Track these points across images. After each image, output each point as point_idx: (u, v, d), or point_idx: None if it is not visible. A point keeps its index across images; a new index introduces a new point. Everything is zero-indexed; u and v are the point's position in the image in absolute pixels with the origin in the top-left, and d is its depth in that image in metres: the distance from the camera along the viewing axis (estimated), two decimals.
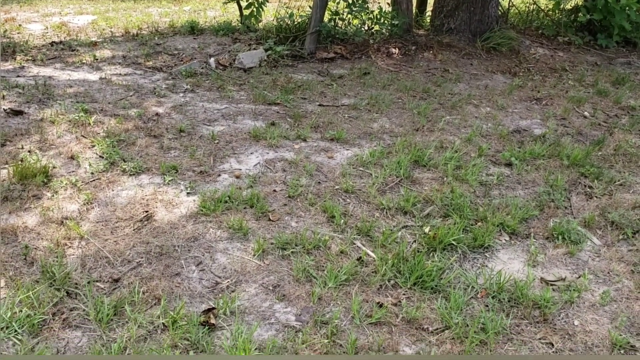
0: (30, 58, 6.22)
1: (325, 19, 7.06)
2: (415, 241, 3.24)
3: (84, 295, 2.67)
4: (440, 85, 6.09)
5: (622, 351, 2.54)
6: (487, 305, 2.76)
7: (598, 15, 7.78)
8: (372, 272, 2.95)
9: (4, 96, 4.87)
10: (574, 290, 2.89)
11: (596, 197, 3.85)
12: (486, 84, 6.27)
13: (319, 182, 3.83)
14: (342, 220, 3.37)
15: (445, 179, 3.94)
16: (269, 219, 3.37)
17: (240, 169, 3.95)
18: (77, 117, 4.51)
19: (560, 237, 3.33)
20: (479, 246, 3.21)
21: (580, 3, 8.30)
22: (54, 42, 7.01)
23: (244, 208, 3.46)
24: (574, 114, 5.49)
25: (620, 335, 2.60)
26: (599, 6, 7.69)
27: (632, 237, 3.41)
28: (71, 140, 4.17)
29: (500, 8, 7.94)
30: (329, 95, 5.61)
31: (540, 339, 2.59)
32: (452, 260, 3.08)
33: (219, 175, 3.86)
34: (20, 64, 6.00)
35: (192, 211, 3.40)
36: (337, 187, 3.77)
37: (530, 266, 3.10)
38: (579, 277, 3.02)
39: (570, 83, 6.51)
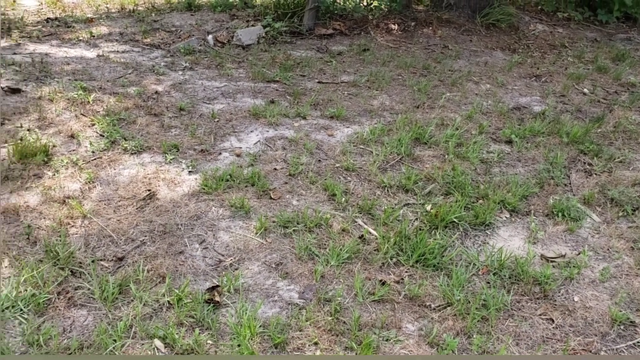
0: (26, 35, 6.15)
1: None
2: (417, 219, 3.26)
3: (88, 274, 2.68)
4: (440, 62, 6.06)
5: (621, 327, 2.57)
6: (488, 282, 2.79)
7: None
8: (374, 250, 2.97)
9: (1, 74, 4.83)
10: (573, 266, 2.92)
11: (596, 174, 3.87)
12: (486, 61, 6.24)
13: (320, 160, 3.83)
14: (343, 199, 3.38)
15: (446, 156, 3.94)
16: (270, 197, 3.37)
17: (241, 147, 3.95)
18: (75, 95, 4.48)
19: (560, 214, 3.35)
20: (480, 224, 3.23)
21: None
22: (49, 18, 6.92)
23: (245, 186, 3.46)
24: (574, 90, 5.48)
25: (620, 311, 2.64)
26: None
27: (632, 214, 3.43)
28: (70, 118, 4.15)
29: None
30: (328, 72, 5.58)
31: (540, 315, 2.62)
32: (454, 238, 3.10)
33: (220, 153, 3.85)
34: (16, 41, 5.93)
35: (194, 190, 3.40)
36: (337, 165, 3.78)
37: (530, 243, 3.12)
38: (579, 253, 3.05)
39: (569, 59, 6.48)
